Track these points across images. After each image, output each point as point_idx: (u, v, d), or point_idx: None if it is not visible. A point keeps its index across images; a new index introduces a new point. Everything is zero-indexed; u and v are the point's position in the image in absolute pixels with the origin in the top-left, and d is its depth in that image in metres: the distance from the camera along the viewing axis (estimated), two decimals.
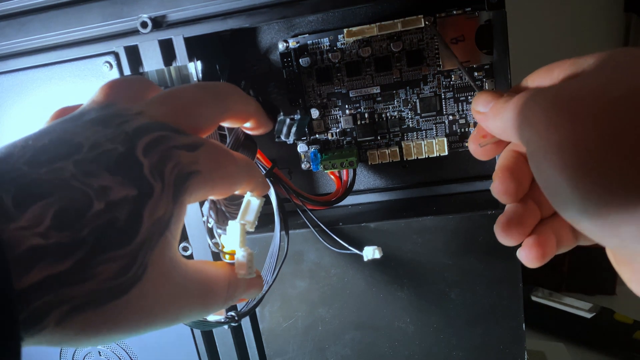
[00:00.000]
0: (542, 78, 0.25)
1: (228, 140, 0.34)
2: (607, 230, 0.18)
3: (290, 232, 0.41)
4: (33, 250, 0.17)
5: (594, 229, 0.19)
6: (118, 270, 0.19)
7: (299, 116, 0.37)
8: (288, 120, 0.36)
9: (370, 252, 0.39)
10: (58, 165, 0.18)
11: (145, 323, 0.20)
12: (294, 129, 0.36)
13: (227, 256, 0.33)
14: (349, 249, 0.39)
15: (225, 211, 0.35)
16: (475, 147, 0.27)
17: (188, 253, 0.43)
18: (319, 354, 0.44)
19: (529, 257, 0.24)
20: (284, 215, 0.39)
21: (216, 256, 0.43)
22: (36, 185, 0.18)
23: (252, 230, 0.29)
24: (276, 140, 0.37)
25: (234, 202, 0.36)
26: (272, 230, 0.39)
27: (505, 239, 0.25)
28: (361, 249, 0.39)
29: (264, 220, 0.43)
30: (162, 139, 0.21)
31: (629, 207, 0.17)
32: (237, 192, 0.28)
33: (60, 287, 0.17)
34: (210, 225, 0.36)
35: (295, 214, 0.42)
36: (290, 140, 0.37)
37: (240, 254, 0.28)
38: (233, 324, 0.35)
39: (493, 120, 0.24)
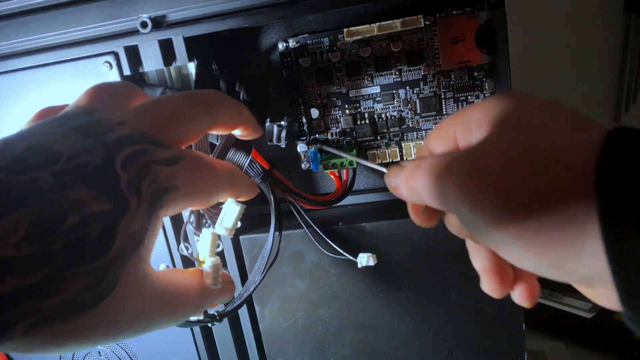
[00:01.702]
0: (442, 140, 0.27)
1: (218, 145, 0.34)
2: (562, 275, 0.21)
3: (290, 232, 0.41)
4: (4, 261, 0.17)
5: (552, 275, 0.22)
6: (88, 284, 0.19)
7: (285, 122, 0.37)
8: (275, 127, 0.36)
9: (365, 259, 0.39)
10: (35, 174, 0.18)
11: (113, 334, 0.20)
12: (283, 134, 0.36)
13: (200, 263, 0.33)
14: (344, 255, 0.39)
15: (207, 215, 0.35)
16: (417, 216, 0.28)
17: (188, 253, 0.43)
18: (319, 354, 0.44)
19: (527, 302, 0.27)
20: (278, 217, 0.39)
21: (185, 260, 0.43)
22: (13, 194, 0.18)
23: (231, 236, 0.29)
24: (268, 143, 0.37)
25: (216, 207, 0.36)
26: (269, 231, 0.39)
27: (497, 296, 0.27)
28: (361, 250, 0.39)
29: (264, 220, 0.43)
30: (142, 153, 0.21)
31: (577, 255, 0.20)
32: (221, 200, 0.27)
33: (29, 299, 0.17)
34: (189, 228, 0.36)
35: (294, 215, 0.42)
36: (282, 144, 0.37)
37: (207, 264, 0.28)
38: (215, 323, 0.35)
39: (406, 192, 0.27)
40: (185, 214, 0.37)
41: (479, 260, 0.27)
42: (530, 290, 0.27)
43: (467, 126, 0.25)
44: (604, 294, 0.21)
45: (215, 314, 0.34)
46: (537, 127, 0.22)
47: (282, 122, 0.36)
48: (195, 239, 0.35)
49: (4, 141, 0.20)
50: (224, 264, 0.43)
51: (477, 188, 0.22)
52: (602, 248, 0.18)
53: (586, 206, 0.19)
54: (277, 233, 0.38)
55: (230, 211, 0.29)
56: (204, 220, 0.33)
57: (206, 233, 0.29)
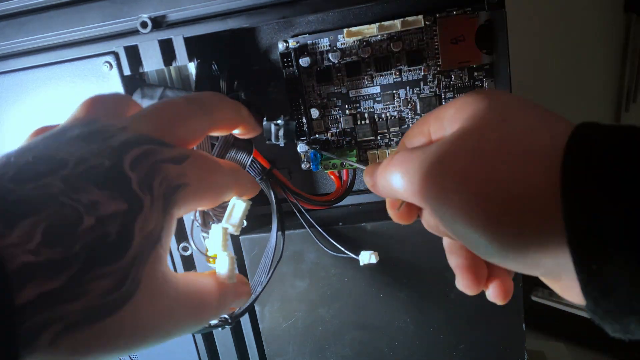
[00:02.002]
0: (418, 136, 0.27)
1: (217, 145, 0.34)
2: (528, 268, 0.21)
3: (290, 232, 0.41)
4: (24, 267, 0.17)
5: (518, 267, 0.22)
6: (111, 286, 0.18)
7: (282, 121, 0.37)
8: (273, 126, 0.36)
9: (367, 257, 0.39)
10: (45, 181, 0.18)
11: (140, 339, 0.20)
12: (281, 133, 0.36)
13: (210, 259, 0.33)
14: (345, 253, 0.39)
15: (212, 214, 0.35)
16: (394, 213, 0.29)
17: (188, 253, 0.43)
18: (319, 354, 0.44)
19: (499, 300, 0.28)
20: (280, 216, 0.39)
21: (185, 260, 0.43)
22: (23, 201, 0.18)
23: (238, 233, 0.29)
24: (267, 142, 0.37)
25: (220, 206, 0.36)
26: (270, 230, 0.39)
27: (470, 293, 0.28)
28: (361, 250, 0.39)
29: (264, 220, 0.43)
30: (149, 153, 0.21)
31: (542, 246, 0.20)
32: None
33: (54, 304, 0.17)
34: (197, 227, 0.36)
35: (295, 215, 0.42)
36: (281, 143, 0.37)
37: (222, 258, 0.28)
38: (227, 326, 0.35)
39: (380, 187, 0.27)
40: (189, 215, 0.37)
41: (454, 258, 0.28)
42: (504, 288, 0.27)
43: (440, 122, 0.25)
44: (570, 287, 0.21)
45: (227, 317, 0.34)
46: (506, 123, 0.22)
47: (279, 121, 0.36)
48: (203, 236, 0.35)
49: (7, 155, 0.20)
50: None
51: (445, 178, 0.22)
52: (565, 240, 0.18)
53: (551, 201, 0.19)
54: (279, 233, 0.38)
55: (237, 208, 0.29)
56: (209, 221, 0.33)
57: (216, 228, 0.29)
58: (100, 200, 0.19)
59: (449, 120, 0.25)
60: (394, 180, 0.25)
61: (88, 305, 0.18)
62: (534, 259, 0.21)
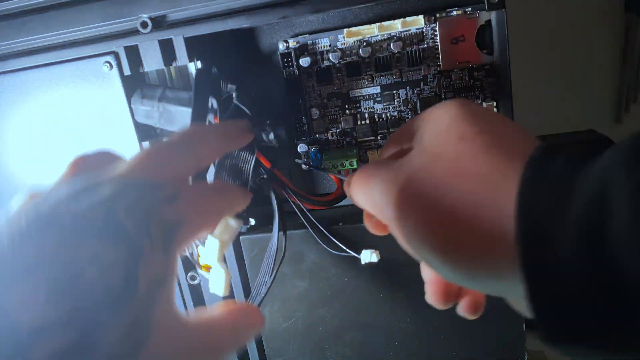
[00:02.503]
0: (392, 147, 0.28)
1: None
2: (486, 291, 0.22)
3: (290, 232, 0.41)
4: (31, 328, 0.17)
5: (476, 289, 0.23)
6: (122, 336, 0.18)
7: (268, 126, 0.36)
8: (263, 133, 0.36)
9: (368, 256, 0.39)
10: (43, 240, 0.18)
11: None
12: (272, 136, 0.36)
13: (202, 267, 0.33)
14: (347, 252, 0.39)
15: None
16: (368, 223, 0.29)
17: (196, 282, 0.43)
18: (319, 354, 0.44)
19: (468, 314, 0.28)
20: (282, 216, 0.39)
21: (185, 260, 0.43)
22: (20, 264, 0.18)
23: (224, 251, 0.30)
24: (262, 144, 0.37)
25: None
26: (271, 230, 0.39)
27: (439, 307, 0.29)
28: (361, 250, 0.39)
29: (264, 220, 0.43)
30: (141, 198, 0.21)
31: (493, 277, 0.20)
32: None
33: None
34: None
35: (295, 215, 0.42)
36: (276, 144, 0.37)
37: (218, 272, 0.28)
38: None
39: (352, 199, 0.28)
40: None
41: (425, 271, 0.28)
42: (473, 303, 0.28)
43: (410, 134, 0.26)
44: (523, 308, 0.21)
45: None
46: (463, 142, 0.22)
47: (267, 128, 0.36)
48: (195, 242, 0.35)
49: None
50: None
51: (397, 199, 0.23)
52: (519, 270, 0.18)
53: (499, 229, 0.19)
54: (281, 233, 0.38)
55: (229, 226, 0.30)
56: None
57: (213, 241, 0.29)
58: (100, 252, 0.19)
59: (417, 132, 0.25)
60: (357, 196, 0.26)
61: (101, 359, 0.18)
62: (488, 286, 0.21)
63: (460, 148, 0.22)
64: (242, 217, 0.36)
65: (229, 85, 0.37)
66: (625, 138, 0.18)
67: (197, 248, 0.35)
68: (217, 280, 0.30)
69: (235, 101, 0.35)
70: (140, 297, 0.19)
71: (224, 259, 0.32)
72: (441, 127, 0.24)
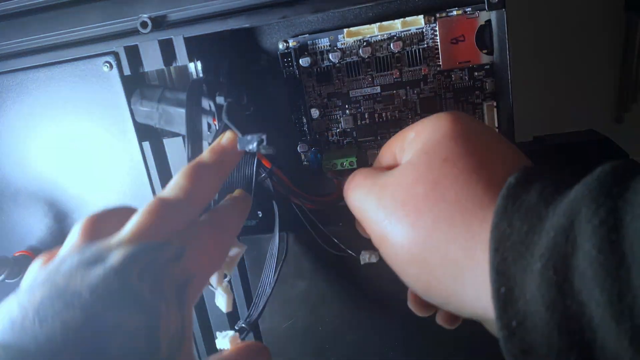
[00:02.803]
0: (386, 155, 0.28)
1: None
2: (457, 313, 0.23)
3: (291, 232, 0.41)
4: None
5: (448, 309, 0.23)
6: None
7: (256, 142, 0.33)
8: (251, 145, 0.33)
9: (367, 256, 0.39)
10: (65, 315, 0.19)
11: None
12: (258, 147, 0.34)
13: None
14: (347, 252, 0.39)
15: None
16: (360, 228, 0.30)
17: None
18: (319, 354, 0.44)
19: (446, 325, 0.30)
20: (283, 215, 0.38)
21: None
22: (49, 342, 0.18)
23: (226, 273, 0.30)
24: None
25: None
26: (269, 231, 0.39)
27: (420, 314, 0.30)
28: (360, 251, 0.39)
29: (263, 220, 0.43)
30: (150, 261, 0.22)
31: (467, 310, 0.21)
32: None
33: None
34: None
35: (295, 214, 0.42)
36: (268, 151, 0.34)
37: (220, 293, 0.29)
38: (249, 333, 0.35)
39: (345, 200, 0.29)
40: None
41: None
42: (450, 316, 0.29)
43: (402, 145, 0.26)
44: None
45: (244, 325, 0.35)
46: (446, 164, 0.22)
47: (254, 144, 0.33)
48: None
49: (19, 304, 0.20)
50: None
51: (378, 217, 0.23)
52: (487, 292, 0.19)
53: (470, 259, 0.20)
54: (283, 232, 0.38)
55: (233, 253, 0.31)
56: None
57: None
58: (122, 321, 0.19)
59: (408, 144, 0.25)
60: (347, 201, 0.27)
61: None
62: (462, 313, 0.22)
63: (443, 171, 0.22)
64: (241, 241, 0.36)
65: (217, 98, 0.36)
66: (595, 171, 0.18)
67: None
68: (220, 299, 0.31)
69: (225, 120, 0.34)
70: (162, 356, 0.20)
71: (229, 281, 0.33)
72: (428, 146, 0.24)
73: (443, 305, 0.22)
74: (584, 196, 0.17)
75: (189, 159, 0.36)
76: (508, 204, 0.19)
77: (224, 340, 0.30)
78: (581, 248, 0.16)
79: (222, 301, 0.31)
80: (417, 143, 0.24)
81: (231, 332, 0.31)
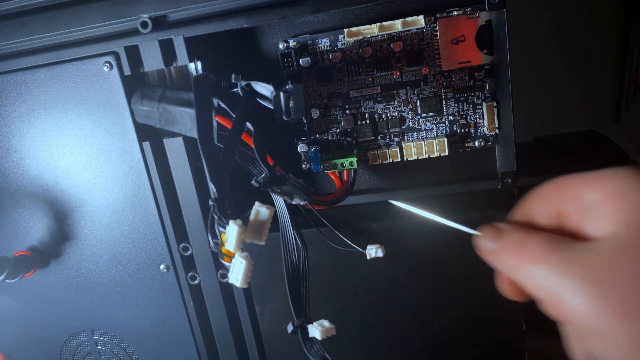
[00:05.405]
0: (544, 211, 0.24)
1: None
2: None
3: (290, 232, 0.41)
4: None
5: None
6: None
7: (290, 86, 0.32)
8: (282, 95, 0.33)
9: (373, 251, 0.39)
10: None
11: None
12: (292, 104, 0.33)
13: (225, 257, 0.32)
14: (353, 247, 0.39)
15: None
16: (507, 287, 0.26)
17: (188, 253, 0.43)
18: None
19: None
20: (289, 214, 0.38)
21: (185, 260, 0.44)
22: None
23: (263, 243, 0.28)
24: (279, 122, 0.34)
25: None
26: (277, 229, 0.38)
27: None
28: (363, 249, 0.39)
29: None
30: None
31: None
32: None
33: None
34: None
35: (299, 213, 0.42)
36: (293, 115, 0.33)
37: (237, 261, 0.27)
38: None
39: (504, 266, 0.24)
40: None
41: (512, 292, 0.26)
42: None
43: (580, 206, 0.22)
44: None
45: (301, 322, 0.36)
46: None
47: (287, 87, 0.32)
48: (219, 230, 0.33)
49: None
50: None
51: (600, 306, 0.19)
52: None
53: None
54: (294, 231, 0.38)
55: (260, 215, 0.27)
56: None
57: (232, 226, 0.27)
58: None
59: (594, 208, 0.21)
60: (528, 275, 0.22)
61: None
62: None
63: None
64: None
65: (233, 76, 0.35)
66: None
67: (220, 236, 0.33)
68: (236, 269, 0.28)
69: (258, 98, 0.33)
70: None
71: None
72: (630, 212, 0.20)
73: None
74: None
75: (203, 158, 0.35)
76: None
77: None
78: None
79: (239, 271, 0.28)
80: (615, 208, 0.20)
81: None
